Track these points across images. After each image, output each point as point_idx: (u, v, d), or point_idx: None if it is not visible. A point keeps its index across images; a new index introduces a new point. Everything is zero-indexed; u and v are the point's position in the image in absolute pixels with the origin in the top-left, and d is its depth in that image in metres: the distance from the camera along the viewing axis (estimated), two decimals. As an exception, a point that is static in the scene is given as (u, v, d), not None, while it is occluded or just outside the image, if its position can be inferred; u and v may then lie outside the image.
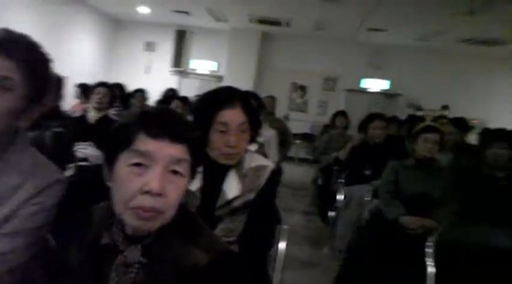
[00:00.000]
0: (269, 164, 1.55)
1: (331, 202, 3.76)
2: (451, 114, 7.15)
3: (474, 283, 1.98)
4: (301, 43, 9.85)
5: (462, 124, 3.98)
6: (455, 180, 2.63)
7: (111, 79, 5.68)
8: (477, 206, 2.43)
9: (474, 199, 2.48)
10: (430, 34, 8.21)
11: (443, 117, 5.01)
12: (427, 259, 1.89)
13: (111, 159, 0.89)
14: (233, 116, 1.44)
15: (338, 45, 9.75)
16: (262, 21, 8.85)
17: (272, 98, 5.24)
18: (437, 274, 1.87)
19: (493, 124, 3.68)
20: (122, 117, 1.13)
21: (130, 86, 5.63)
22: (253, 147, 2.05)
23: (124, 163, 0.86)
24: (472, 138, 4.45)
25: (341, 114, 5.34)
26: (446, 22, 7.29)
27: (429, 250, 1.90)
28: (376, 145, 3.72)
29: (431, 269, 1.87)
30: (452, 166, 3.05)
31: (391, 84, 9.90)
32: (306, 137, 9.01)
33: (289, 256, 3.24)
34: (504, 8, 6.12)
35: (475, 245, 1.98)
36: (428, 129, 2.69)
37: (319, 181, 4.98)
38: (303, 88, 10.24)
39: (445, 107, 9.08)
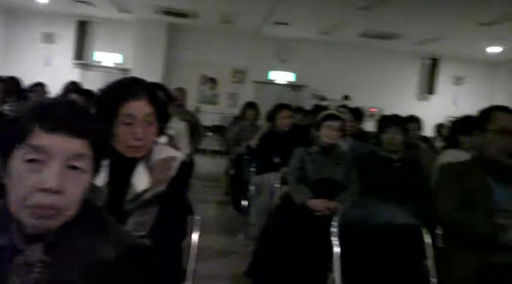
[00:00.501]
0: (178, 155, 1.54)
1: (244, 191, 3.84)
2: (354, 103, 7.61)
3: (374, 257, 2.15)
4: (210, 35, 9.84)
5: (358, 113, 4.28)
6: (356, 163, 2.84)
7: (9, 72, 5.23)
8: (376, 186, 2.66)
9: (373, 180, 2.71)
10: (331, 28, 8.64)
11: (345, 106, 5.34)
12: (332, 238, 2.01)
13: (5, 155, 0.83)
14: (139, 108, 1.40)
15: (246, 38, 9.90)
16: (169, 13, 8.68)
17: (181, 90, 5.19)
18: (343, 252, 1.99)
19: (389, 112, 4.01)
20: (16, 110, 1.05)
21: (30, 80, 5.23)
22: (162, 140, 2.03)
23: (19, 159, 0.81)
24: (370, 125, 4.80)
25: (251, 105, 5.45)
26: (346, 17, 7.73)
27: (334, 230, 2.02)
28: (284, 134, 3.87)
29: (336, 248, 1.99)
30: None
31: (297, 76, 10.29)
32: (217, 129, 9.05)
33: (204, 247, 3.26)
34: (399, 4, 6.63)
35: (374, 222, 2.15)
36: (331, 117, 2.86)
37: (231, 171, 5.06)
38: (213, 81, 10.26)
39: (347, 97, 9.65)
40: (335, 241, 2.02)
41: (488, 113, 2.00)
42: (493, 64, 10.17)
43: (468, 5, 6.34)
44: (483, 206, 1.90)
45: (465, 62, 10.28)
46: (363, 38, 9.18)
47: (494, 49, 8.94)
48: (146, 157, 1.48)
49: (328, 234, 2.05)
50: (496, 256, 1.80)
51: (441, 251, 2.01)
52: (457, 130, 2.99)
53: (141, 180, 1.45)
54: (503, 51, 8.96)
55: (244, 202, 3.83)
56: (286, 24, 8.73)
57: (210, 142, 8.63)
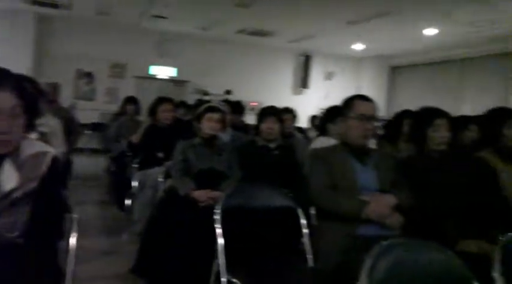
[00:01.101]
0: (50, 150, 1.47)
1: (127, 189, 3.74)
2: (236, 97, 7.81)
3: (255, 240, 2.26)
4: (86, 27, 9.30)
5: (239, 107, 4.44)
6: (236, 153, 2.95)
7: None
8: (255, 173, 2.80)
9: (252, 167, 2.85)
10: (210, 24, 8.74)
11: (227, 100, 5.48)
12: (216, 225, 2.07)
13: None
14: (2, 99, 1.31)
15: (125, 32, 9.55)
16: (36, 2, 8.00)
17: (54, 85, 4.85)
18: (226, 238, 2.07)
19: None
20: None
21: None
22: (33, 137, 1.90)
23: None
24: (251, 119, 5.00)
25: (130, 100, 5.30)
26: (224, 13, 7.88)
27: (217, 217, 2.09)
28: (166, 129, 3.85)
29: (220, 235, 2.05)
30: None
31: (179, 72, 10.22)
32: (96, 127, 8.61)
33: (87, 248, 3.15)
34: (274, 2, 6.95)
35: (253, 205, 2.26)
36: (211, 109, 2.93)
37: (112, 169, 4.88)
38: (89, 75, 9.71)
39: (228, 92, 9.86)
40: (218, 227, 2.08)
41: (349, 102, 2.23)
42: (359, 60, 11.20)
43: (335, 5, 6.90)
44: (348, 185, 2.11)
45: (335, 58, 11.16)
46: (241, 34, 9.46)
47: (359, 46, 9.85)
48: (14, 154, 1.39)
49: (212, 222, 2.11)
50: (360, 229, 2.02)
51: (315, 229, 2.20)
52: (326, 119, 3.28)
53: (8, 178, 1.35)
54: (366, 48, 9.92)
55: (128, 201, 3.73)
56: (165, 18, 8.61)
57: (88, 140, 8.18)
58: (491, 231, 1.94)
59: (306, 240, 2.18)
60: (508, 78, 7.63)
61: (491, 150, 2.51)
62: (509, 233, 1.64)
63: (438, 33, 7.94)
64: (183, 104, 5.84)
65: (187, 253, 2.40)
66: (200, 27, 9.08)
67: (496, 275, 1.49)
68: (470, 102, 8.62)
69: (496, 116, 2.55)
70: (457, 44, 8.50)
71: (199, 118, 2.93)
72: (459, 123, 3.16)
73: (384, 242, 1.44)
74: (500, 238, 1.60)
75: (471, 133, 3.12)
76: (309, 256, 2.14)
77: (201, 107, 3.03)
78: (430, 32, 7.90)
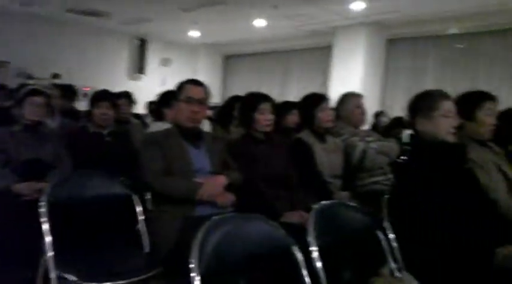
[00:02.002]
0: None
1: None
2: (66, 82, 7.20)
3: (89, 231, 2.17)
4: None
5: (69, 91, 4.15)
6: (65, 141, 2.77)
7: None
8: (87, 161, 2.67)
9: (84, 155, 2.71)
10: (32, -1, 7.88)
11: (56, 85, 5.04)
12: (42, 220, 1.93)
13: None
14: None
15: None
16: None
17: None
18: (56, 230, 1.94)
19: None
20: None
21: None
22: None
23: None
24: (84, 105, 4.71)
25: None
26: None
27: (42, 210, 1.94)
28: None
29: (46, 227, 1.92)
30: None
31: (-4, 51, 8.98)
32: None
33: None
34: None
35: (86, 195, 2.16)
36: (34, 92, 2.68)
37: None
38: None
39: (56, 76, 9.05)
40: (45, 222, 1.94)
41: (181, 86, 2.29)
42: (195, 47, 11.34)
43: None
44: (182, 169, 2.18)
45: (171, 44, 11.10)
46: (71, 13, 8.74)
47: (195, 33, 9.98)
48: None
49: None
50: (197, 210, 2.11)
51: (152, 214, 2.21)
52: (161, 104, 3.29)
53: None
54: (202, 35, 10.10)
55: None
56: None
57: None
58: (307, 201, 2.23)
59: (141, 226, 2.19)
60: (327, 70, 8.61)
61: (308, 131, 2.85)
62: (320, 202, 1.91)
63: (267, 25, 8.50)
64: (2, 88, 5.18)
65: (12, 253, 2.19)
66: (20, 2, 8.08)
67: (310, 239, 1.71)
68: (295, 90, 9.51)
69: (310, 101, 2.90)
70: (283, 36, 9.22)
71: (20, 102, 2.66)
72: (283, 108, 3.48)
73: (214, 218, 1.54)
74: (313, 206, 1.85)
75: (294, 117, 3.46)
76: (145, 242, 2.15)
77: (22, 90, 2.75)
78: (260, 23, 8.40)
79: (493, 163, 2.25)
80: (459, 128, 2.09)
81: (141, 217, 2.21)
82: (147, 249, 2.13)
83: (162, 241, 2.05)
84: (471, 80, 7.31)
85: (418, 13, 7.00)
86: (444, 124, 1.91)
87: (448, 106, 1.94)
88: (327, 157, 2.80)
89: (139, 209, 2.23)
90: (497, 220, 1.92)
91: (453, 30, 7.66)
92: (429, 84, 7.65)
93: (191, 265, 1.35)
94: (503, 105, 2.79)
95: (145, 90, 9.61)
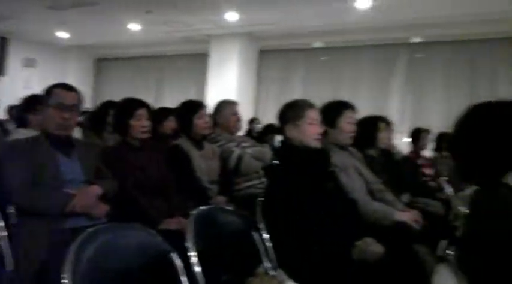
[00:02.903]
0: None
1: None
2: None
3: None
4: None
5: None
6: None
7: None
8: None
9: None
10: None
11: None
12: None
13: None
14: None
15: None
16: None
17: None
18: None
19: None
20: None
21: None
22: None
23: None
24: None
25: None
26: None
27: None
28: None
29: None
30: None
31: None
32: None
33: None
34: None
35: None
36: None
37: None
38: None
39: None
40: None
41: (49, 91, 2.14)
42: (64, 48, 10.58)
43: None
44: (52, 178, 2.03)
45: (37, 45, 10.21)
46: None
47: (63, 34, 9.32)
48: None
49: None
50: (68, 222, 1.98)
51: (15, 228, 2.01)
52: (25, 109, 3.01)
53: None
54: (71, 37, 9.48)
55: None
56: None
57: None
58: (186, 208, 2.24)
59: (3, 243, 1.98)
60: (203, 77, 8.71)
61: (185, 138, 2.87)
62: (199, 207, 1.94)
63: (141, 29, 8.30)
64: None
65: None
66: None
67: (189, 244, 1.73)
68: (170, 96, 9.45)
69: (188, 108, 2.93)
70: (158, 41, 9.08)
71: None
72: (160, 114, 3.45)
73: (89, 230, 1.47)
74: (191, 212, 1.88)
75: (171, 124, 3.45)
76: (9, 260, 1.96)
77: None
78: (134, 27, 8.19)
79: (353, 166, 2.52)
80: (323, 135, 2.30)
81: (3, 234, 2.00)
82: (10, 267, 1.94)
83: (29, 257, 1.89)
84: (334, 90, 8.03)
85: (288, 26, 7.47)
86: (309, 131, 2.09)
87: (312, 114, 2.13)
88: (205, 164, 2.85)
89: (0, 224, 2.01)
90: (356, 217, 2.16)
91: (318, 43, 8.34)
92: (298, 94, 8.21)
93: (64, 281, 1.28)
94: (364, 112, 3.15)
95: (6, 93, 8.70)
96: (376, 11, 6.27)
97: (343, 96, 7.58)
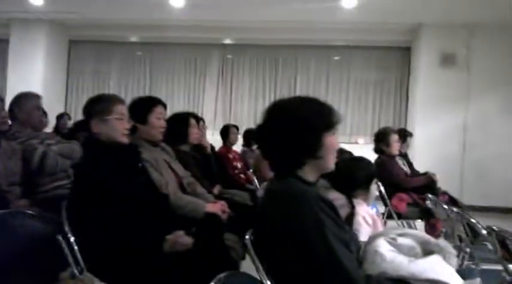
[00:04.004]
0: None
1: None
2: None
3: None
4: None
5: None
6: None
7: None
8: None
9: None
10: None
11: None
12: None
13: None
14: None
15: None
16: None
17: None
18: None
19: None
20: None
21: None
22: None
23: None
24: None
25: None
26: None
27: None
28: None
29: None
30: None
31: None
32: None
33: None
34: None
35: None
36: None
37: None
38: None
39: None
40: None
41: None
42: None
43: None
44: None
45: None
46: None
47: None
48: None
49: None
50: None
51: None
52: None
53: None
54: None
55: None
56: None
57: None
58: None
59: None
60: (2, 64, 7.68)
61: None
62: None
63: None
64: None
65: None
66: None
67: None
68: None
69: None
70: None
71: None
72: None
73: None
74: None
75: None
76: None
77: None
78: None
79: (164, 161, 2.57)
80: (133, 130, 2.29)
81: None
82: None
83: None
84: (150, 86, 7.99)
85: (99, 18, 7.12)
86: (118, 126, 2.05)
87: (121, 109, 2.10)
88: (2, 164, 2.55)
89: None
90: (168, 211, 2.21)
91: (134, 38, 8.17)
92: (113, 88, 7.93)
93: None
94: (180, 109, 3.21)
95: None
96: (190, 10, 6.44)
97: (160, 91, 7.64)
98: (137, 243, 1.85)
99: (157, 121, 2.52)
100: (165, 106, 2.62)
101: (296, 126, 1.37)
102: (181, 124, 3.14)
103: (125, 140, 2.11)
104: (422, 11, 6.28)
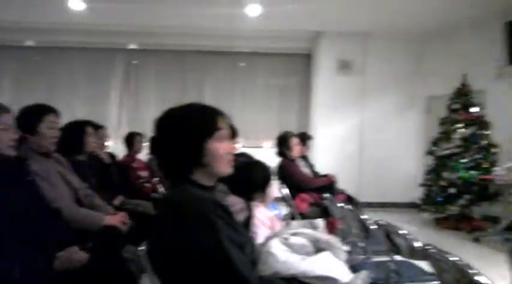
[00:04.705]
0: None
1: None
2: None
3: None
4: None
5: None
6: None
7: None
8: None
9: None
10: None
11: None
12: None
13: None
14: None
15: None
16: None
17: None
18: None
19: None
20: None
21: None
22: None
23: None
24: None
25: None
26: None
27: None
28: None
29: None
30: None
31: None
32: None
33: None
34: None
35: None
36: None
37: None
38: None
39: None
40: None
41: None
42: None
43: None
44: None
45: None
46: None
47: None
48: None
49: None
50: None
51: None
52: None
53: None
54: None
55: None
56: None
57: None
58: None
59: None
60: None
61: None
62: None
63: None
64: None
65: None
66: None
67: None
68: None
69: None
70: None
71: None
72: None
73: None
74: None
75: None
76: None
77: None
78: None
79: (57, 173, 2.42)
80: (22, 141, 2.13)
81: None
82: None
83: None
84: (49, 92, 7.50)
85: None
86: (2, 137, 1.90)
87: (6, 119, 1.94)
88: None
89: None
90: (60, 227, 2.08)
91: (30, 42, 7.63)
92: (7, 96, 7.35)
93: None
94: (81, 116, 2.99)
95: None
96: (91, 13, 6.18)
97: (60, 99, 7.19)
98: (25, 264, 1.71)
99: (49, 131, 2.37)
100: (57, 114, 2.47)
101: (178, 135, 1.38)
102: (77, 133, 2.99)
103: (11, 152, 1.95)
104: (321, 20, 6.63)
